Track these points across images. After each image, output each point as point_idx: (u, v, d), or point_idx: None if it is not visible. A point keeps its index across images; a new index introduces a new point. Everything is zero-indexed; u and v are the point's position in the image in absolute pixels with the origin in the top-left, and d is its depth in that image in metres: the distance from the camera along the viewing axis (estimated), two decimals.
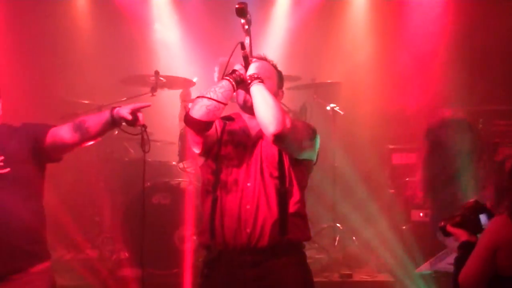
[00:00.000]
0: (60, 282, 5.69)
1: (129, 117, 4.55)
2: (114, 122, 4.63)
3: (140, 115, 4.59)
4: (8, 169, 4.60)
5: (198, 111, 4.21)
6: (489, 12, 8.18)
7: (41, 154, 4.72)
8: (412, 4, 8.65)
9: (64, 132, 4.70)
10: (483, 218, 4.31)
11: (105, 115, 4.66)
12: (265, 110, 4.19)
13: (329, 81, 8.27)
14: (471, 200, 4.61)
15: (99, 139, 4.87)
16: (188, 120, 4.25)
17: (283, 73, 4.58)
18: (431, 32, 8.44)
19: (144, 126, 4.63)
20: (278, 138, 4.14)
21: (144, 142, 4.69)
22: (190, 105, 4.45)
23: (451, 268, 5.54)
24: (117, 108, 4.61)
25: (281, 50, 8.73)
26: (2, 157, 4.60)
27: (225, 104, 4.25)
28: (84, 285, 7.02)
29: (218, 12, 8.36)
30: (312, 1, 8.97)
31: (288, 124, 4.15)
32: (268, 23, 8.82)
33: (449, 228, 5.09)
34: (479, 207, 4.45)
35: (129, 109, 4.57)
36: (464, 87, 7.74)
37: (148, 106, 4.68)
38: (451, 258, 5.54)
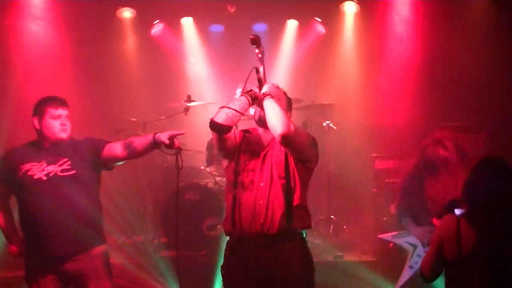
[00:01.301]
0: (114, 261, 5.79)
1: (167, 142, 4.70)
2: (156, 144, 4.77)
3: (176, 140, 4.73)
4: (73, 172, 4.76)
5: (220, 117, 4.29)
6: (455, 45, 8.12)
7: (98, 163, 4.88)
8: (391, 39, 8.52)
9: (116, 148, 4.88)
10: (457, 212, 4.29)
11: (149, 138, 4.81)
12: (274, 117, 4.24)
13: (325, 102, 8.28)
14: (450, 199, 4.75)
15: (143, 156, 5.08)
16: (212, 124, 4.33)
17: (291, 92, 4.71)
18: (406, 61, 8.39)
19: (178, 149, 4.75)
20: (284, 138, 4.22)
21: (178, 161, 4.76)
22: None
23: (406, 245, 5.61)
24: (158, 134, 4.74)
25: (288, 78, 8.64)
26: (69, 162, 4.77)
27: (241, 114, 4.31)
28: (133, 263, 6.99)
29: (238, 48, 8.30)
30: (312, 38, 8.92)
31: (292, 128, 4.22)
32: (277, 55, 8.75)
33: (434, 221, 5.24)
34: (454, 204, 4.42)
35: (168, 135, 4.71)
36: (433, 106, 7.83)
37: (182, 133, 4.85)
38: (408, 239, 5.64)
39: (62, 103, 4.88)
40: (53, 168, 4.75)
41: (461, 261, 4.08)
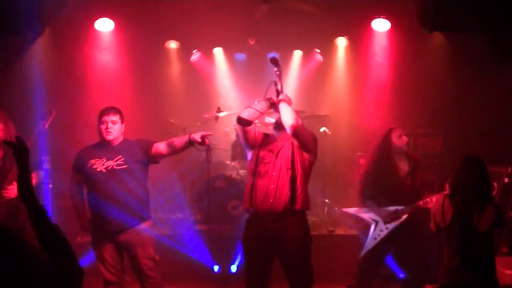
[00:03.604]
0: (160, 232, 5.88)
1: (199, 140, 4.80)
2: (191, 142, 4.87)
3: (206, 139, 4.84)
4: (126, 166, 4.86)
5: (245, 113, 4.49)
6: (419, 69, 8.16)
7: (147, 158, 4.96)
8: (372, 64, 8.49)
9: (161, 147, 4.96)
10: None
11: (185, 138, 4.92)
12: (287, 114, 4.43)
13: (322, 113, 8.29)
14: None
15: (181, 152, 5.12)
16: (238, 118, 4.50)
17: (296, 105, 4.80)
18: (383, 81, 8.36)
19: (208, 146, 4.89)
20: (294, 128, 4.39)
21: (208, 156, 5.04)
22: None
23: (369, 220, 5.56)
24: (193, 134, 4.84)
25: (294, 94, 8.38)
26: (123, 159, 4.88)
27: (261, 113, 4.54)
28: (175, 234, 6.99)
29: (256, 71, 8.34)
30: (312, 64, 8.91)
31: (300, 122, 4.42)
32: (286, 77, 8.75)
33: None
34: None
35: (200, 135, 4.81)
36: (404, 116, 7.76)
37: (211, 134, 4.99)
38: (370, 215, 5.59)
39: (109, 111, 4.93)
40: (110, 163, 4.86)
41: (445, 228, 4.29)
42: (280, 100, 4.51)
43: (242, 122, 4.52)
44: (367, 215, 5.67)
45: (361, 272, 5.73)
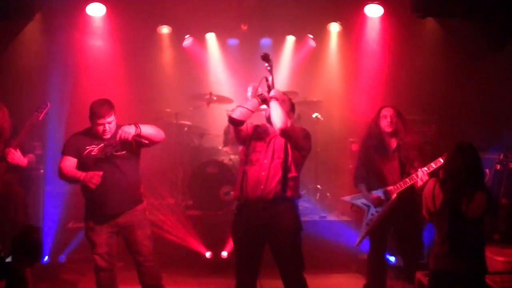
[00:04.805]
0: (151, 218, 5.86)
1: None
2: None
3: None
4: (124, 152, 4.87)
5: (236, 113, 4.45)
6: (412, 55, 8.12)
7: (139, 144, 4.96)
8: (365, 50, 8.46)
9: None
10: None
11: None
12: (276, 115, 4.36)
13: (314, 99, 8.29)
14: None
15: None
16: (230, 119, 4.48)
17: (289, 88, 4.75)
18: (376, 67, 8.34)
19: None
20: (283, 131, 4.36)
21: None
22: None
23: (362, 206, 5.56)
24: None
25: (287, 79, 8.60)
26: (120, 145, 4.87)
27: (252, 112, 4.45)
28: (166, 220, 6.99)
29: (249, 56, 8.30)
30: (305, 50, 8.89)
31: (289, 124, 4.36)
32: (279, 63, 8.72)
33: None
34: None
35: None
36: (396, 102, 7.73)
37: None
38: (363, 200, 5.56)
39: (103, 113, 4.84)
40: (108, 149, 4.85)
41: (435, 213, 4.30)
42: (271, 97, 4.46)
43: (234, 122, 4.50)
44: (360, 201, 5.65)
45: (371, 268, 5.68)
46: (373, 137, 5.54)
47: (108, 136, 4.89)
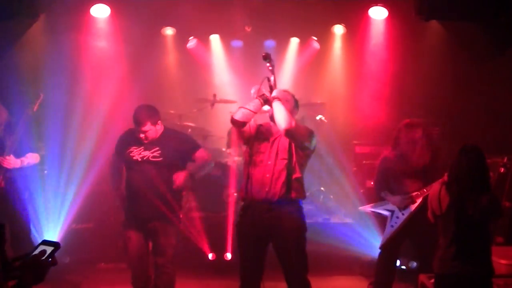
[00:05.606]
0: None
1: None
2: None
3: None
4: (161, 159, 4.91)
5: (238, 114, 4.42)
6: (417, 58, 8.12)
7: (185, 158, 5.06)
8: (369, 53, 8.43)
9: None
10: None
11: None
12: (280, 116, 4.33)
13: (318, 101, 8.29)
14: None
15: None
16: (232, 120, 4.46)
17: (292, 91, 4.73)
18: (380, 70, 8.31)
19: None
20: (287, 132, 4.33)
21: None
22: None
23: (384, 212, 5.54)
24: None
25: (291, 82, 8.50)
26: (160, 151, 4.92)
27: (254, 112, 4.43)
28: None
29: (253, 58, 8.23)
30: (309, 52, 8.87)
31: (293, 124, 4.33)
32: (283, 65, 8.72)
33: None
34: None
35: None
36: (401, 105, 7.77)
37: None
38: (386, 206, 5.54)
39: (141, 122, 4.89)
40: (147, 154, 4.93)
41: (441, 216, 4.27)
42: (274, 98, 4.44)
43: (236, 124, 4.49)
44: (383, 208, 5.64)
45: (380, 267, 5.66)
46: (403, 144, 5.52)
47: (146, 141, 4.94)
